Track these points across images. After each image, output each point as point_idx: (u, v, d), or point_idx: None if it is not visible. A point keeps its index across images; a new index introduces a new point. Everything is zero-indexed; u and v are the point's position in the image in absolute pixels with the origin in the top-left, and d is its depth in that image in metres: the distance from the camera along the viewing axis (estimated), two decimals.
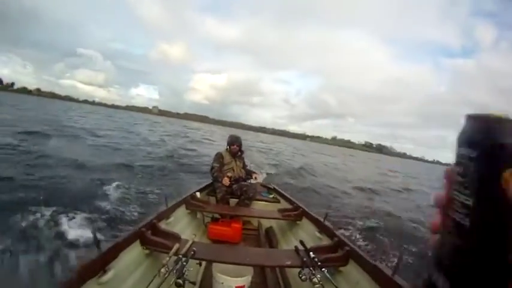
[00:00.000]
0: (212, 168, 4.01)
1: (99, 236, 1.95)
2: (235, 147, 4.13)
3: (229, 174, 3.94)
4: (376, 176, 22.41)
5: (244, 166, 4.29)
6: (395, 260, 1.82)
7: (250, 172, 4.31)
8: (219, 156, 4.09)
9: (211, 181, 4.29)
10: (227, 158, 4.10)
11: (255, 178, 4.18)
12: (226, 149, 4.20)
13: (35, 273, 3.36)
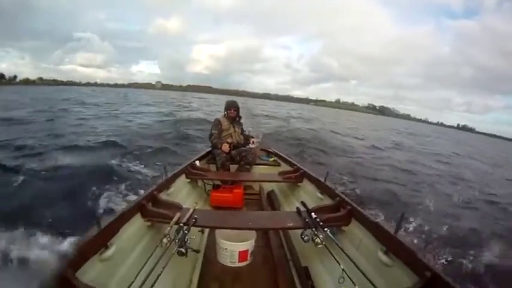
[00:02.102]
0: (211, 135, 4.07)
1: (98, 212, 1.94)
2: (232, 112, 4.14)
3: (228, 140, 4.02)
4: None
5: (242, 131, 4.34)
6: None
7: (248, 137, 4.36)
8: (217, 123, 4.12)
9: (209, 149, 4.38)
10: (225, 124, 4.14)
11: (253, 142, 4.25)
12: (224, 114, 4.21)
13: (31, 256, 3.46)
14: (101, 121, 15.44)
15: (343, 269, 1.47)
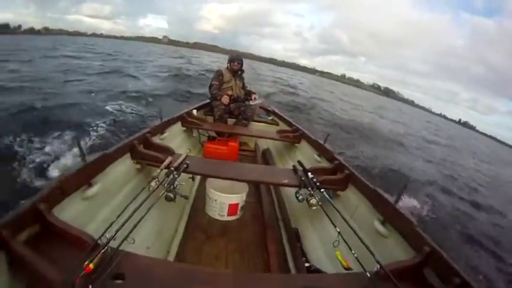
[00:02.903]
0: (211, 86, 3.96)
1: (86, 150, 1.84)
2: (235, 64, 4.00)
3: (228, 92, 3.91)
4: None
5: (244, 86, 4.23)
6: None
7: (249, 92, 4.26)
8: (219, 74, 4.00)
9: (209, 100, 4.28)
10: (227, 76, 4.00)
11: (255, 99, 4.14)
12: (227, 66, 4.07)
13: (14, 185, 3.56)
14: None
15: (339, 232, 1.42)
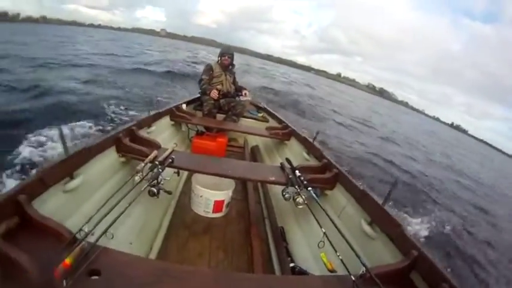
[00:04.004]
0: (201, 80, 3.96)
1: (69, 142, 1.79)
2: (226, 59, 3.99)
3: (218, 87, 3.91)
4: None
5: (234, 81, 4.22)
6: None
7: (240, 88, 4.26)
8: (209, 68, 3.98)
9: (198, 95, 4.25)
10: (217, 70, 3.98)
11: (245, 95, 4.15)
12: (217, 61, 4.06)
13: None
14: None
15: (324, 233, 1.41)
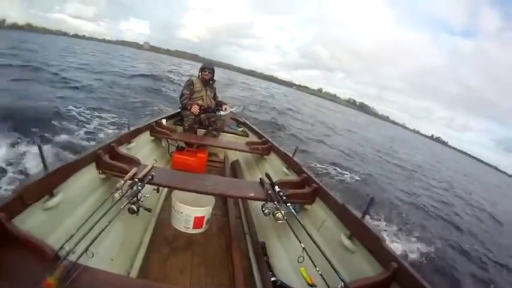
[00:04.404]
0: (182, 95, 3.98)
1: (48, 158, 1.79)
2: (207, 74, 4.03)
3: (199, 102, 3.93)
4: None
5: (215, 96, 4.26)
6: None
7: (220, 103, 4.30)
8: (189, 83, 4.01)
9: (179, 110, 4.27)
10: (198, 85, 4.02)
11: (225, 109, 4.19)
12: (198, 76, 4.09)
13: None
14: None
15: (303, 248, 1.42)
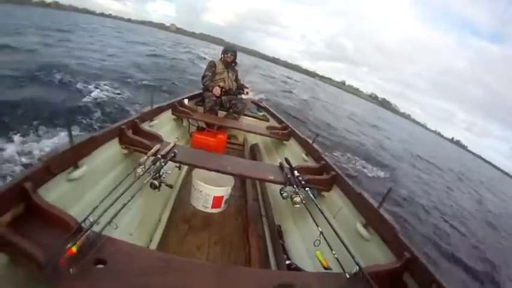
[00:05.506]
0: (204, 76, 3.99)
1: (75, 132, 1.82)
2: (229, 56, 4.03)
3: (220, 84, 3.94)
4: None
5: (236, 79, 4.26)
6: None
7: (242, 86, 4.30)
8: (211, 65, 4.02)
9: (201, 91, 4.29)
10: (220, 67, 4.03)
11: (247, 93, 4.19)
12: (221, 58, 4.10)
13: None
14: None
15: (321, 232, 1.43)
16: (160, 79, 11.98)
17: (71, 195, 1.58)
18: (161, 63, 16.81)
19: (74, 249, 0.99)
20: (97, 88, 7.88)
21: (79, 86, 7.71)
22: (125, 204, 1.30)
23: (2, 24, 17.24)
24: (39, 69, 8.08)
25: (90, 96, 7.09)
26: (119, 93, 8.07)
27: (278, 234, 2.20)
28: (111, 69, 11.28)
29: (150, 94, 3.02)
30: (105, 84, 8.41)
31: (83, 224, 1.16)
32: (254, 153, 3.87)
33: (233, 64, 4.16)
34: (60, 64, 9.23)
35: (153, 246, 1.92)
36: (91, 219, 1.15)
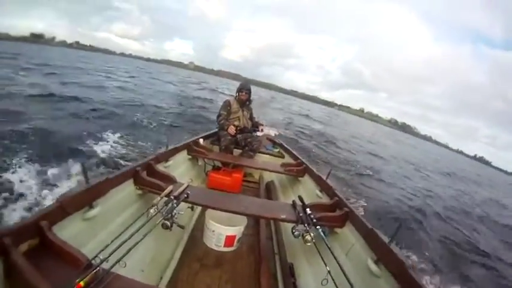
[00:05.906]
0: (219, 115, 4.09)
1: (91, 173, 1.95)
2: (244, 94, 4.16)
3: (235, 123, 4.04)
4: None
5: (251, 117, 4.36)
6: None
7: (257, 124, 4.40)
8: (226, 104, 4.13)
9: (216, 130, 4.42)
10: (234, 106, 4.15)
11: (262, 130, 4.31)
12: (235, 96, 4.20)
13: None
14: None
15: (328, 271, 1.45)
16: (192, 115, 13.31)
17: (84, 233, 1.67)
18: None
19: (82, 284, 1.05)
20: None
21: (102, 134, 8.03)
22: (136, 243, 1.34)
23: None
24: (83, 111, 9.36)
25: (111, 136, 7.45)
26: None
27: (290, 272, 2.22)
28: (151, 111, 12.61)
29: (166, 136, 3.14)
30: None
31: (93, 261, 1.22)
32: (270, 190, 3.90)
33: (247, 102, 4.24)
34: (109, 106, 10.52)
35: (164, 284, 1.96)
36: (101, 257, 1.21)
